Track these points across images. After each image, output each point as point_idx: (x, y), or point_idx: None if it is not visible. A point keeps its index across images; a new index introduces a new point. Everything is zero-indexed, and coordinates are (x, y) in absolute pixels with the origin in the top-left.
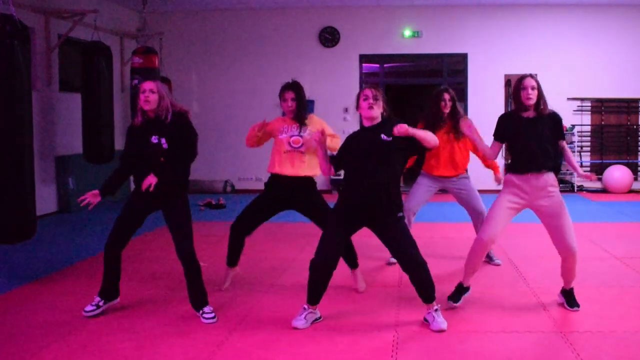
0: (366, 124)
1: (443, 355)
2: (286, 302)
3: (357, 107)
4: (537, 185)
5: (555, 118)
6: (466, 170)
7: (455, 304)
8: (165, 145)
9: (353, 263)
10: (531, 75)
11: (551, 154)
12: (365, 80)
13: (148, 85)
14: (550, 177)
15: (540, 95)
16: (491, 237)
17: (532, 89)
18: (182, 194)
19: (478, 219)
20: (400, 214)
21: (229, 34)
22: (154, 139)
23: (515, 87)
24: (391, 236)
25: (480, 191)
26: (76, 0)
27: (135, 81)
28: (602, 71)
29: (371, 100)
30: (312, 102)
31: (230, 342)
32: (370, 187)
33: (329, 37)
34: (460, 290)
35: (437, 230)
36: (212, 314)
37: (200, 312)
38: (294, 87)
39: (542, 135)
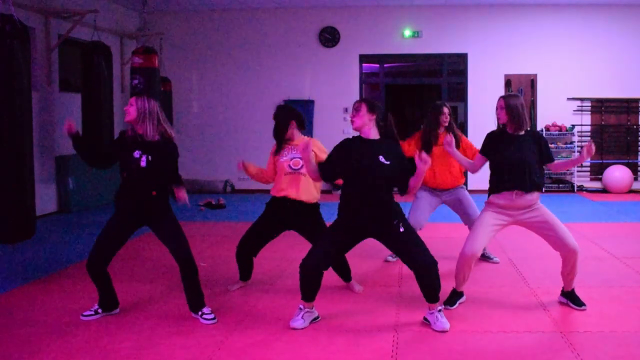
0: (362, 135)
1: (443, 355)
2: (286, 302)
3: None
4: (521, 204)
5: (539, 139)
6: (464, 182)
7: (451, 308)
8: (143, 164)
9: (347, 277)
10: (504, 95)
11: (537, 173)
12: (365, 80)
13: (131, 99)
14: (534, 195)
15: (512, 114)
16: (473, 252)
17: (501, 108)
18: (165, 204)
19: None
20: (397, 221)
21: (229, 34)
22: (136, 154)
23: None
24: (396, 243)
25: (479, 191)
26: (76, 0)
27: (136, 81)
28: (602, 71)
29: (352, 113)
30: (312, 102)
31: (230, 342)
32: (370, 206)
33: (329, 37)
34: (454, 295)
35: (437, 230)
36: (212, 315)
37: (199, 313)
38: (276, 111)
39: (528, 155)
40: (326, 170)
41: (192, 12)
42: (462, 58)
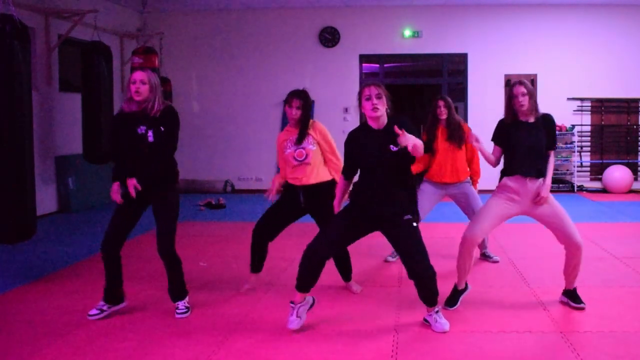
0: (371, 124)
1: (443, 355)
2: (286, 302)
3: (360, 106)
4: (532, 190)
5: (549, 123)
6: (469, 176)
7: (451, 309)
8: (151, 138)
9: (347, 276)
10: (520, 82)
11: (546, 160)
12: (365, 80)
13: (139, 75)
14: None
15: (533, 99)
16: (474, 235)
17: (523, 95)
18: (171, 187)
19: None
20: (408, 217)
21: (229, 34)
22: (141, 130)
23: (507, 95)
24: (399, 241)
25: (485, 191)
26: (76, 0)
27: None
28: (602, 71)
29: (374, 100)
30: (312, 102)
31: (230, 342)
32: (380, 197)
33: (329, 37)
34: (456, 294)
35: (437, 230)
36: (185, 310)
37: (176, 305)
38: (302, 94)
39: (539, 141)
40: (351, 171)
41: (192, 12)
42: (462, 58)
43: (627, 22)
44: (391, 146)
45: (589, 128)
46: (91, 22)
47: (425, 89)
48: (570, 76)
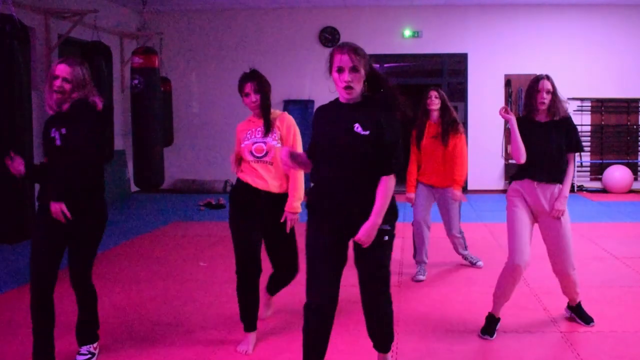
0: (342, 97)
1: (443, 355)
2: (286, 301)
3: (330, 73)
4: (544, 196)
5: (567, 123)
6: (460, 184)
7: (491, 338)
8: (58, 142)
9: (274, 290)
10: (547, 77)
11: (563, 165)
12: None
13: (62, 70)
14: (557, 189)
15: (555, 99)
16: (524, 261)
17: (547, 92)
18: (95, 204)
19: (449, 235)
20: (386, 227)
21: (229, 34)
22: (53, 132)
23: (529, 87)
24: (363, 256)
25: (481, 191)
26: (76, 0)
27: (135, 81)
28: (602, 71)
29: (347, 76)
30: (312, 102)
31: (231, 342)
32: (343, 197)
33: (329, 37)
34: (493, 322)
35: (437, 230)
36: (88, 355)
37: (79, 349)
38: (253, 76)
39: (556, 144)
40: (314, 154)
41: (192, 12)
42: (462, 58)
43: (627, 22)
44: (356, 126)
45: (589, 128)
46: (91, 22)
47: (425, 89)
48: (570, 76)
